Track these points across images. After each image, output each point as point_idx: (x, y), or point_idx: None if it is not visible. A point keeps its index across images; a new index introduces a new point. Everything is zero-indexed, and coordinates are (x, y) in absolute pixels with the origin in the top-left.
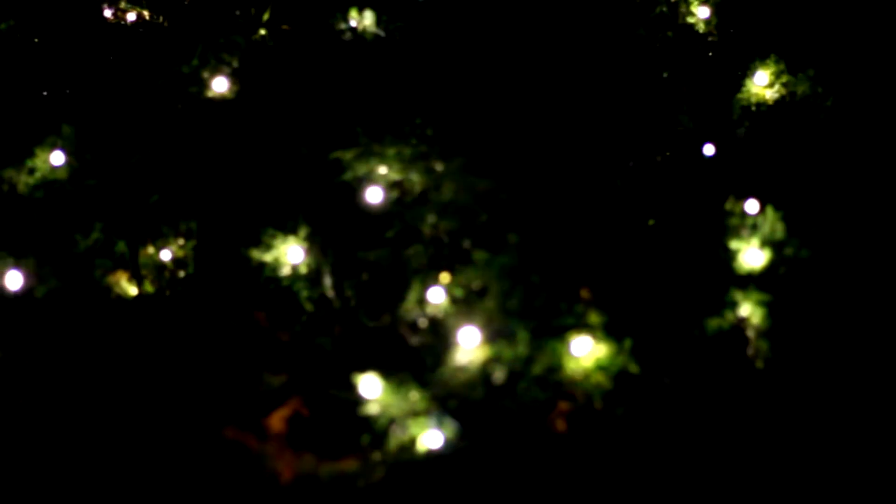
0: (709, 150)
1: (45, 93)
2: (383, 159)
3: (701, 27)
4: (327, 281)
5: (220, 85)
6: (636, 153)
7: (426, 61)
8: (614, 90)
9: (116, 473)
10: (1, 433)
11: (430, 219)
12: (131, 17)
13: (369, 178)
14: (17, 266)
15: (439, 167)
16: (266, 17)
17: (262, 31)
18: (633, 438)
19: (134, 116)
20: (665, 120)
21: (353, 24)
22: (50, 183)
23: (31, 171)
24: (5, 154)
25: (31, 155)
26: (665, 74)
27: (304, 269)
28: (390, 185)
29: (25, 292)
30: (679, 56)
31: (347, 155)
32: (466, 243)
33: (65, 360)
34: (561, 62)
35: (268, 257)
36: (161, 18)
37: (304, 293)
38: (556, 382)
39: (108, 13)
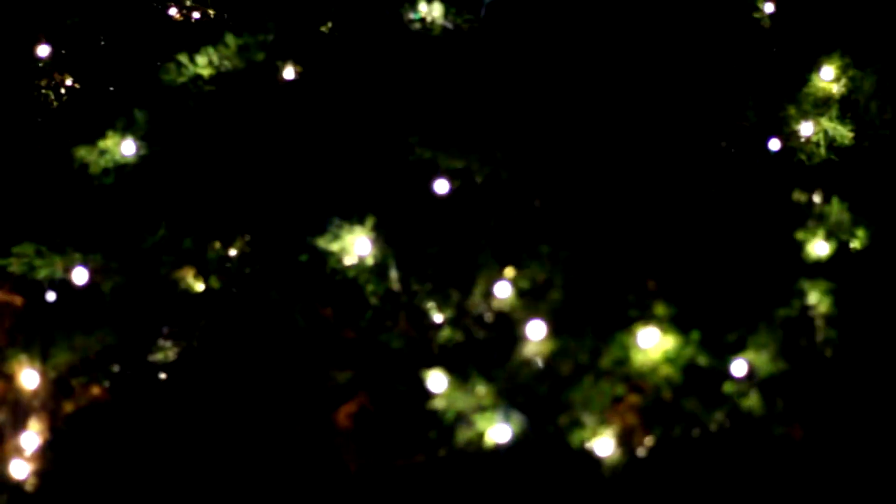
0: (774, 144)
1: (111, 88)
2: (447, 148)
3: (766, 22)
4: (393, 274)
5: (289, 73)
6: (702, 146)
7: (491, 52)
8: (680, 84)
9: (186, 468)
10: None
11: (496, 210)
12: (196, 15)
13: (434, 167)
14: (84, 262)
15: (499, 153)
16: (335, 9)
17: (329, 24)
18: (704, 431)
19: (201, 108)
20: (730, 114)
21: (421, 14)
22: (120, 167)
23: (102, 153)
24: (78, 134)
25: (103, 136)
26: (730, 70)
27: (370, 262)
28: (454, 175)
29: (91, 287)
30: (744, 51)
31: (412, 140)
32: (531, 234)
33: (132, 357)
34: (628, 56)
35: (334, 247)
36: (226, 16)
37: (370, 287)
38: (623, 375)
39: (173, 11)
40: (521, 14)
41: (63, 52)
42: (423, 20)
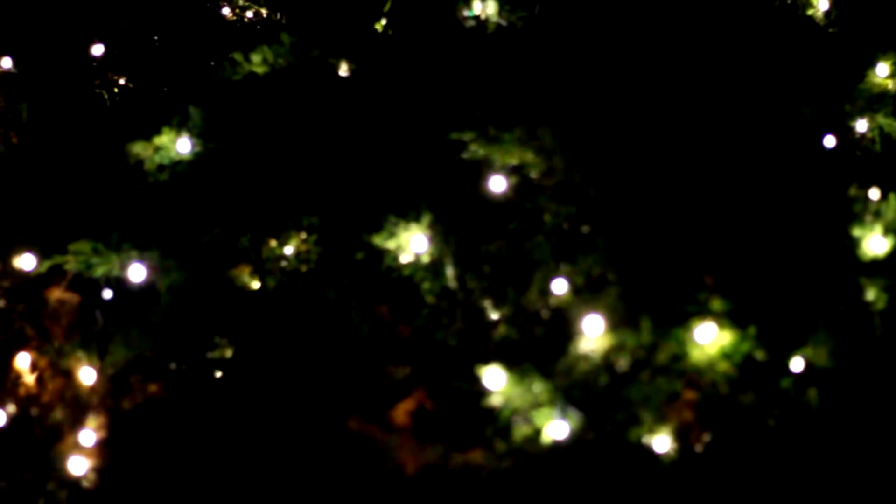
0: (830, 140)
1: (164, 87)
2: (501, 143)
3: (820, 19)
4: (450, 272)
5: (343, 72)
6: (759, 142)
7: (545, 48)
8: (737, 80)
9: (242, 466)
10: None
11: (552, 206)
12: (249, 14)
13: (489, 164)
14: (140, 260)
15: (550, 144)
16: (388, 7)
17: (382, 21)
18: (762, 426)
19: (256, 106)
20: (786, 111)
21: (475, 12)
22: (175, 164)
23: (158, 149)
24: (132, 132)
25: (158, 132)
26: (786, 66)
27: (426, 259)
28: (509, 171)
29: (149, 285)
30: (799, 48)
31: (466, 136)
32: (586, 229)
33: (188, 355)
34: (685, 51)
35: (390, 244)
36: (279, 16)
37: (426, 285)
38: (680, 371)
39: (226, 10)
40: (575, 10)
41: (116, 51)
42: (477, 17)
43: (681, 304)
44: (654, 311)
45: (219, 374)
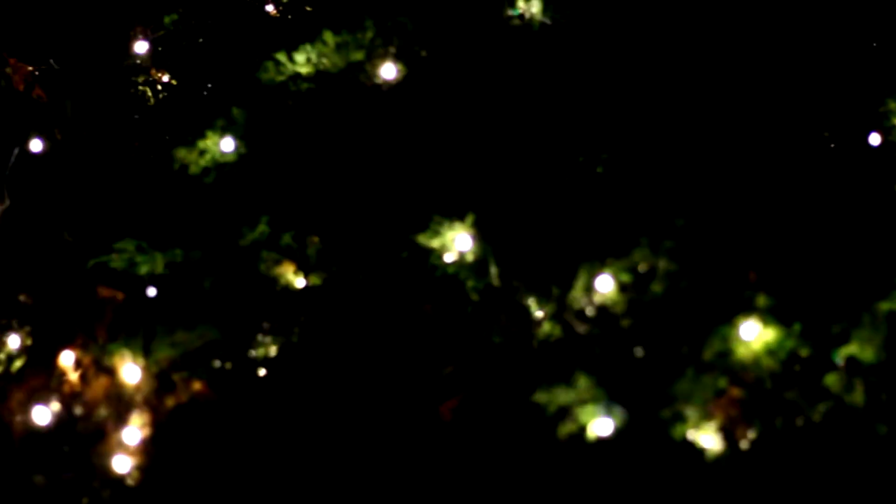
0: (874, 139)
1: (209, 84)
2: (546, 141)
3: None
4: (493, 270)
5: (387, 70)
6: (804, 140)
7: (590, 47)
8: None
9: (286, 463)
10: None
11: (598, 200)
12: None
13: (534, 162)
14: (184, 258)
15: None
16: (428, 5)
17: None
18: (806, 423)
19: (300, 106)
20: (831, 110)
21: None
22: (220, 166)
23: (202, 153)
24: (176, 131)
25: (202, 136)
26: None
27: (470, 258)
28: (555, 170)
29: (191, 283)
30: (844, 48)
31: (513, 134)
32: (632, 227)
33: (232, 352)
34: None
35: (435, 243)
36: (322, 14)
37: (470, 283)
38: (725, 367)
39: (269, 8)
40: (621, 8)
41: (160, 49)
42: (521, 16)
43: (726, 300)
44: (699, 307)
45: (262, 372)
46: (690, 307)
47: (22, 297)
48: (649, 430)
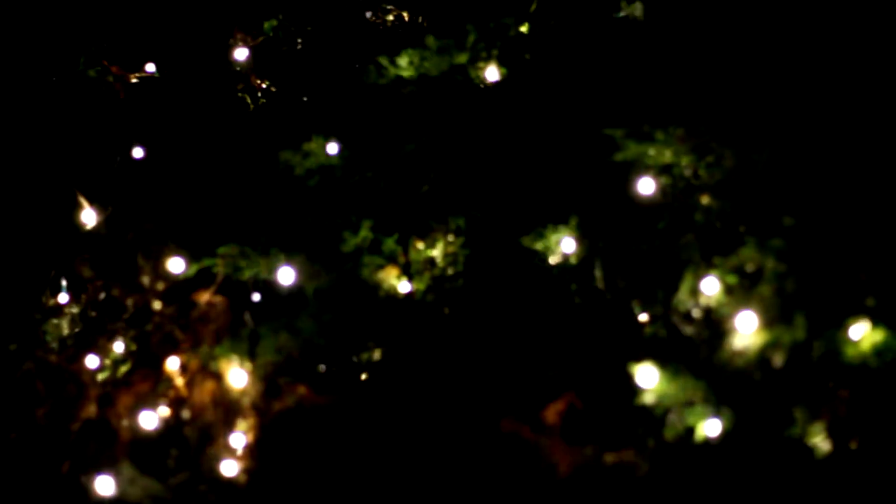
0: None
1: (309, 90)
2: (653, 142)
3: None
4: (598, 272)
5: (491, 73)
6: None
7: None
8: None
9: (389, 466)
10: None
11: (704, 199)
12: (391, 17)
13: (640, 164)
14: (287, 263)
15: (714, 144)
16: (533, 7)
17: (524, 27)
18: None
19: (402, 110)
20: None
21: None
22: (324, 169)
23: (307, 155)
24: (277, 137)
25: (307, 139)
26: None
27: (574, 260)
28: (660, 171)
29: (296, 288)
30: None
31: (618, 133)
32: (741, 228)
33: (336, 357)
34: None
35: (538, 246)
36: (420, 19)
37: (575, 286)
38: (834, 368)
39: (367, 14)
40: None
41: (260, 55)
42: (625, 17)
43: (835, 301)
44: (807, 307)
45: (366, 377)
46: (798, 308)
47: (129, 302)
48: (756, 430)
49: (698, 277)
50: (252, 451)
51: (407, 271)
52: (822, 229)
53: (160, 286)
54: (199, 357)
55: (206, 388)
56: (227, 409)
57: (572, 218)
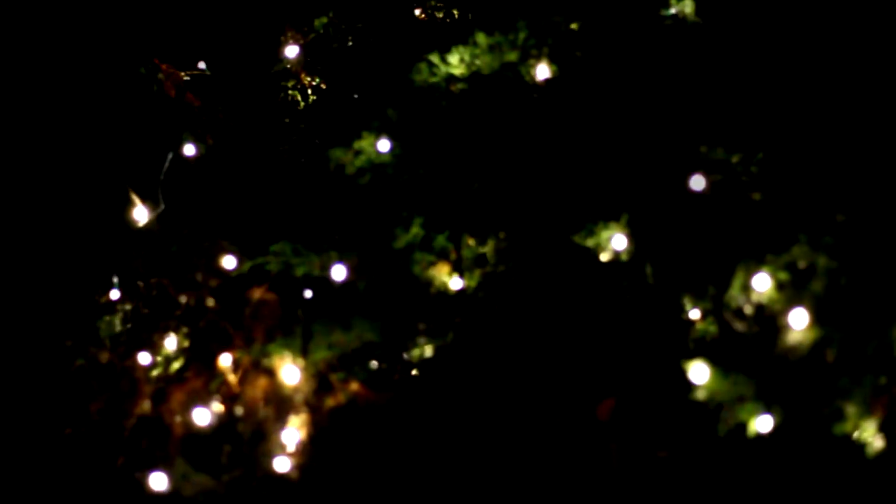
0: None
1: (360, 87)
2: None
3: None
4: (649, 269)
5: (541, 71)
6: None
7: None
8: None
9: (444, 461)
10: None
11: (755, 196)
12: (440, 15)
13: (691, 162)
14: (340, 260)
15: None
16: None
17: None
18: None
19: (453, 107)
20: None
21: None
22: (375, 167)
23: (357, 153)
24: (327, 134)
25: (358, 136)
26: None
27: (625, 257)
28: (712, 168)
29: (347, 284)
30: None
31: (669, 133)
32: (792, 224)
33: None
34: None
35: (589, 243)
36: (470, 16)
37: (626, 282)
38: (887, 364)
39: (417, 11)
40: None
41: (310, 53)
42: (675, 16)
43: (887, 297)
44: (859, 303)
45: (418, 373)
46: (849, 305)
47: (182, 299)
48: (807, 427)
49: (750, 274)
50: (305, 448)
51: (458, 268)
52: (873, 226)
53: (213, 283)
54: (251, 354)
55: (259, 385)
56: (280, 406)
57: (623, 215)
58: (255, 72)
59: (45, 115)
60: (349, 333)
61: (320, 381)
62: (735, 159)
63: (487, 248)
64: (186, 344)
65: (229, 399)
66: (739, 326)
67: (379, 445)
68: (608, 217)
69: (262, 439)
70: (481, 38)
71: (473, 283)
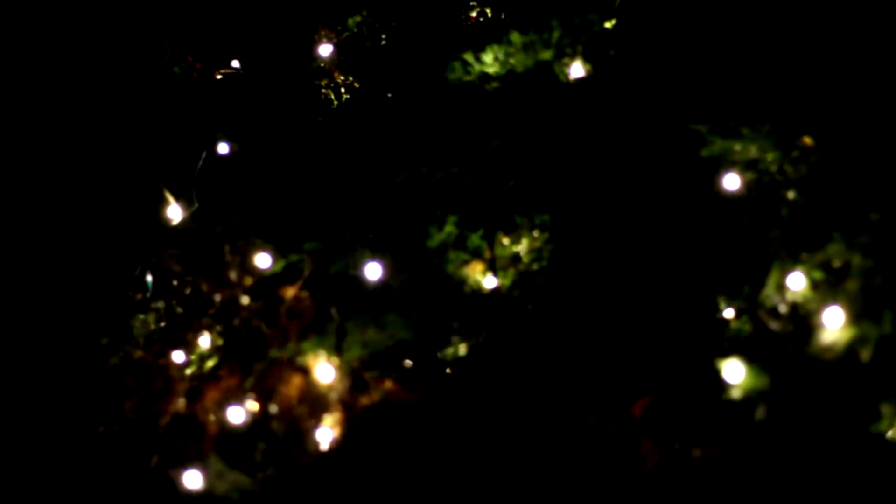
0: None
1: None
2: (739, 138)
3: None
4: (683, 268)
5: (576, 70)
6: None
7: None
8: None
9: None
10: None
11: (790, 195)
12: (473, 14)
13: (726, 160)
14: (373, 259)
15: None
16: (618, 2)
17: (609, 24)
18: None
19: (488, 106)
20: None
21: None
22: (410, 164)
23: (391, 152)
24: (367, 134)
25: (392, 136)
26: None
27: (657, 255)
28: (746, 166)
29: (383, 284)
30: None
31: (704, 128)
32: (827, 223)
33: (422, 352)
34: None
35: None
36: (503, 15)
37: (661, 280)
38: None
39: (450, 11)
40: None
41: (344, 51)
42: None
43: None
44: (895, 302)
45: (452, 371)
46: (885, 303)
47: (216, 297)
48: (843, 426)
49: (784, 273)
50: (339, 446)
51: (492, 267)
52: None
53: (247, 281)
54: (286, 352)
55: (293, 383)
56: (314, 404)
57: (657, 213)
58: (289, 70)
59: (81, 114)
60: (383, 332)
61: (354, 380)
62: (770, 157)
63: (522, 247)
64: (220, 342)
65: (263, 397)
66: (774, 325)
67: (412, 444)
68: (639, 215)
69: (296, 437)
70: (515, 37)
71: (508, 282)
